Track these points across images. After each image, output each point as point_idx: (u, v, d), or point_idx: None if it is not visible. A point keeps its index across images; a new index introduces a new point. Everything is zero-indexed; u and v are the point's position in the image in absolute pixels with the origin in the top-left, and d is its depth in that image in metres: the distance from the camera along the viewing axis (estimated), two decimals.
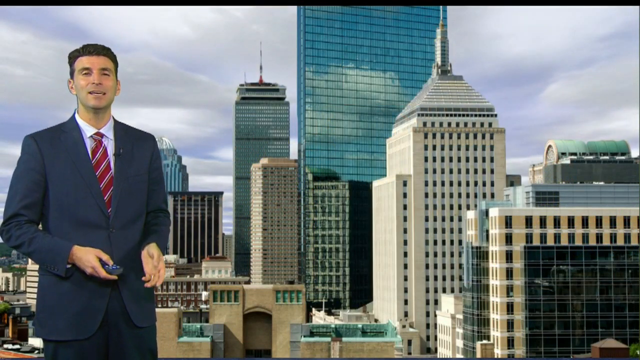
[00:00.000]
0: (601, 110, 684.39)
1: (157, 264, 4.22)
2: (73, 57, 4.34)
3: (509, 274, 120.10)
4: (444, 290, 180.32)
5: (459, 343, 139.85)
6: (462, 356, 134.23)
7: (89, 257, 4.04)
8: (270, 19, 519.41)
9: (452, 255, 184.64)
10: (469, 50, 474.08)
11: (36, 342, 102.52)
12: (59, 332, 4.15)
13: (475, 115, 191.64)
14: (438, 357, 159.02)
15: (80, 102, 4.34)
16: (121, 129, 4.46)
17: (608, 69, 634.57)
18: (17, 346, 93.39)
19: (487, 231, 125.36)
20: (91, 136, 4.33)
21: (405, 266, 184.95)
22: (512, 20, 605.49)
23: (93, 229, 4.18)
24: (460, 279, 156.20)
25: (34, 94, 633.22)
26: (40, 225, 4.33)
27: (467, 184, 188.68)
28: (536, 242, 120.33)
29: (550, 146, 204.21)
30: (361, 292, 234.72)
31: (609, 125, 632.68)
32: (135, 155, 4.41)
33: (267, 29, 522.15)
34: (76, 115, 4.38)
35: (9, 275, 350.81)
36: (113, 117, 4.45)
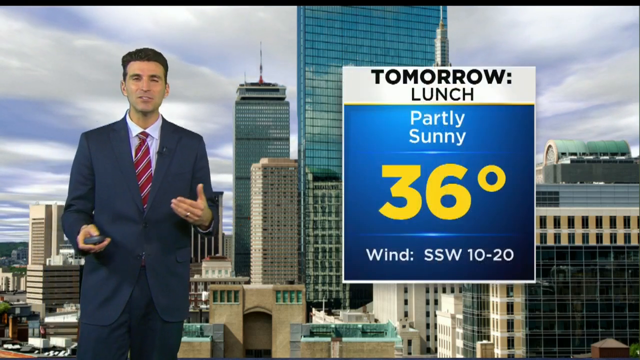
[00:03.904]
0: (615, 106, 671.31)
1: (198, 205, 4.23)
2: (125, 61, 4.55)
3: None
4: (444, 290, 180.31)
5: (459, 343, 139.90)
6: (462, 356, 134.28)
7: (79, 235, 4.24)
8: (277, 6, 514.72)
9: None
10: (484, 38, 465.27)
11: (36, 342, 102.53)
12: (86, 316, 4.37)
13: None
14: (438, 357, 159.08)
15: (130, 104, 4.61)
16: (168, 129, 4.65)
17: (629, 61, 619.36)
18: (17, 346, 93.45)
19: None
20: (137, 135, 4.53)
21: None
22: (533, 6, 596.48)
23: (128, 223, 4.34)
24: None
25: (32, 87, 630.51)
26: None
27: None
28: (536, 242, 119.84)
29: (550, 146, 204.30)
30: (361, 292, 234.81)
31: (623, 121, 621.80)
32: (177, 154, 4.57)
33: (273, 17, 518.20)
34: (127, 116, 4.63)
35: (9, 275, 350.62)
36: (162, 117, 4.66)
